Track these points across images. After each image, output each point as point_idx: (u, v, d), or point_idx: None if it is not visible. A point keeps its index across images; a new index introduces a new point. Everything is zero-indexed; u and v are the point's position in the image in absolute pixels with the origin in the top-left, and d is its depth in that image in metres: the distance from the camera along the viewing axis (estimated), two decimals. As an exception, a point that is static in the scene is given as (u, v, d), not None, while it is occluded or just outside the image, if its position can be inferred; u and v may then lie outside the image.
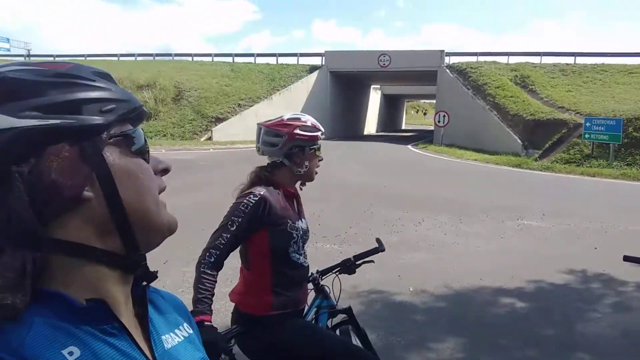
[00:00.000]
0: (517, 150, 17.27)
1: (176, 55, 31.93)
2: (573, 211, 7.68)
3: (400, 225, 6.41)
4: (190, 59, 30.58)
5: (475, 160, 16.65)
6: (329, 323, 2.09)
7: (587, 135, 14.87)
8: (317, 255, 4.75)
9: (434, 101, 30.18)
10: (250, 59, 29.93)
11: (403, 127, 54.27)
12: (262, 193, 1.70)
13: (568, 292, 4.25)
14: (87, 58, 31.03)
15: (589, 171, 13.59)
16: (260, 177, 1.80)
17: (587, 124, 14.85)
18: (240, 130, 20.15)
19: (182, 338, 0.62)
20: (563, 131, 16.40)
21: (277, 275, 1.75)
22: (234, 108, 22.53)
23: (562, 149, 15.81)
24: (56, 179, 0.47)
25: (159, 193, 0.57)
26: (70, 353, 0.46)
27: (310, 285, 2.02)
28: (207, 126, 21.53)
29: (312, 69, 26.94)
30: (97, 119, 0.51)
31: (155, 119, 21.88)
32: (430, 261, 4.98)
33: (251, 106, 22.68)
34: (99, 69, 0.55)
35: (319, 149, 1.86)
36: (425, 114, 78.83)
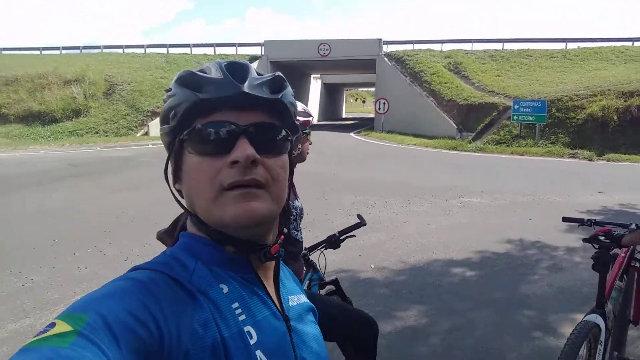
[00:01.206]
0: (452, 134, 18.23)
1: (105, 47, 30.27)
2: (507, 187, 8.35)
3: (354, 209, 6.67)
4: (121, 51, 29.11)
5: (415, 144, 17.39)
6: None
7: (515, 117, 15.96)
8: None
9: (373, 89, 30.93)
10: (186, 50, 29.05)
11: (344, 116, 55.05)
12: None
13: (510, 259, 4.70)
14: (3, 52, 28.65)
15: (518, 150, 14.68)
16: None
17: (515, 107, 15.94)
18: (179, 123, 19.37)
19: (303, 302, 0.72)
20: (494, 114, 17.51)
21: None
22: (171, 101, 21.77)
23: (493, 130, 16.90)
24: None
25: (228, 185, 0.57)
26: (223, 288, 0.59)
27: None
28: (143, 121, 20.55)
29: (252, 59, 26.57)
30: (168, 127, 0.64)
31: (86, 115, 20.73)
32: (386, 240, 5.27)
33: (190, 98, 22.01)
34: (185, 72, 0.66)
35: (309, 133, 2.00)
36: (364, 101, 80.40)
